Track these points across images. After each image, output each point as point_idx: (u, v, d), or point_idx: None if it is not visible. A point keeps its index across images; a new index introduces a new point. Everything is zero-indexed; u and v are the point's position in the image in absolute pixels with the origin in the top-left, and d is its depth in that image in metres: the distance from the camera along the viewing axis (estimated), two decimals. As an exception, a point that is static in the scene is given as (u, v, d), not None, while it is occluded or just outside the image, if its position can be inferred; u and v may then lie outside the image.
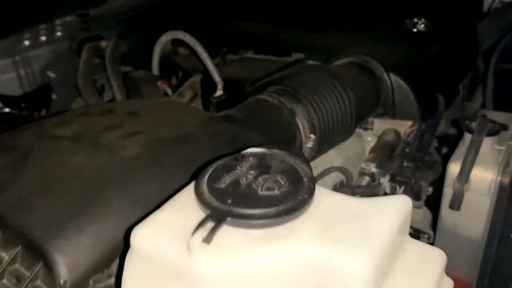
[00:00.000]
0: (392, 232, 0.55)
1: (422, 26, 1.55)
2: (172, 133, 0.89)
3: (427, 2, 1.74)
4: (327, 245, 0.52)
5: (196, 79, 1.53)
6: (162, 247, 0.53)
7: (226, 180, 0.57)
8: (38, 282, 0.67)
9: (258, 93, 1.16)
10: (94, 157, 0.81)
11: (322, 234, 0.53)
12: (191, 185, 0.59)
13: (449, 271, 0.62)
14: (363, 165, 1.28)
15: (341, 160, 1.28)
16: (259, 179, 0.57)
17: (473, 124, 1.11)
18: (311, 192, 0.56)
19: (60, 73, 1.59)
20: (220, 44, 1.64)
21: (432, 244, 1.20)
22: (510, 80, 1.64)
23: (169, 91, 1.55)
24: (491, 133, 1.11)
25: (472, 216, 1.11)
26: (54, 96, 1.59)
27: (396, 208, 0.58)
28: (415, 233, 1.36)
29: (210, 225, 0.52)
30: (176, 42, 1.68)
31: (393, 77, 1.32)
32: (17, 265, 0.69)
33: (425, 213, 1.44)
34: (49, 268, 0.65)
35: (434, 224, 1.26)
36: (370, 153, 1.34)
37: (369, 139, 1.38)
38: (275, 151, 0.63)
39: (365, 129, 1.38)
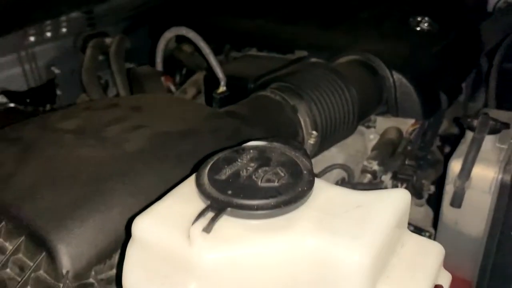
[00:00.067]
0: (391, 225, 0.55)
1: (426, 25, 1.55)
2: (175, 127, 0.90)
3: (432, 1, 1.74)
4: (326, 236, 0.52)
5: (199, 76, 1.53)
6: (162, 237, 0.53)
7: (226, 172, 0.58)
8: (41, 272, 0.67)
9: (260, 89, 1.17)
10: (98, 150, 0.82)
11: (321, 225, 0.54)
12: (192, 177, 0.59)
13: (449, 268, 0.63)
14: (365, 163, 1.29)
15: (343, 158, 1.28)
16: (259, 171, 0.58)
17: (475, 122, 1.11)
18: (310, 184, 0.56)
19: (65, 69, 1.60)
20: (224, 41, 1.64)
21: (433, 241, 1.20)
22: (513, 79, 1.64)
23: (173, 88, 1.56)
24: (493, 131, 1.11)
25: (473, 214, 1.11)
26: (58, 92, 1.60)
27: (395, 201, 0.58)
28: (416, 231, 1.36)
29: (210, 215, 0.52)
30: (180, 40, 1.69)
31: (396, 75, 1.32)
32: (20, 255, 0.69)
33: (426, 212, 1.45)
34: (52, 258, 0.66)
35: (435, 222, 1.27)
36: (372, 150, 1.34)
37: (371, 137, 1.38)
38: (276, 144, 0.63)
39: (368, 127, 1.38)
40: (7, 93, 1.47)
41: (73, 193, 0.73)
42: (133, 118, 0.92)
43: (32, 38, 1.53)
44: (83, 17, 1.65)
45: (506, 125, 1.13)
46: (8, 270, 0.69)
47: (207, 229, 0.51)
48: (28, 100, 1.51)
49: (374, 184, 1.26)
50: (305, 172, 0.58)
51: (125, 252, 0.57)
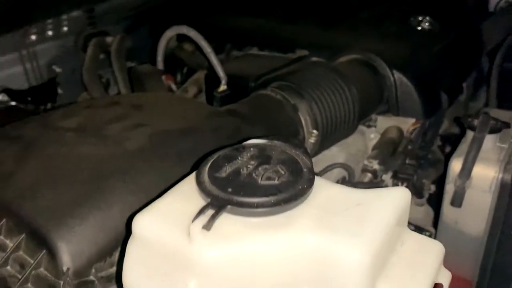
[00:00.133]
0: (391, 223, 0.55)
1: (427, 24, 1.55)
2: (176, 125, 0.90)
3: (433, 1, 1.74)
4: (326, 234, 0.53)
5: (200, 75, 1.53)
6: (162, 234, 0.53)
7: (227, 170, 0.58)
8: (42, 269, 0.68)
9: (261, 88, 1.17)
10: (98, 148, 0.82)
11: (321, 223, 0.54)
12: (193, 175, 0.59)
13: (449, 267, 0.63)
14: (366, 162, 1.28)
15: (343, 157, 1.28)
16: (260, 169, 0.58)
17: (476, 121, 1.11)
18: (310, 182, 0.57)
19: (66, 67, 1.60)
20: (225, 40, 1.64)
21: (433, 241, 1.20)
22: (514, 79, 1.64)
23: (173, 86, 1.56)
24: (494, 131, 1.11)
25: (474, 213, 1.11)
26: (60, 91, 1.60)
27: (395, 199, 0.58)
28: (417, 231, 1.35)
29: (210, 212, 0.52)
30: (181, 39, 1.69)
31: (397, 74, 1.32)
32: (21, 253, 0.70)
33: (427, 211, 1.45)
34: (52, 255, 0.66)
35: (436, 221, 1.27)
36: (372, 150, 1.34)
37: (372, 136, 1.38)
38: (276, 142, 0.63)
39: (368, 126, 1.38)
40: (8, 92, 1.47)
41: (74, 191, 0.73)
42: (134, 117, 0.92)
43: (33, 37, 1.53)
44: (84, 16, 1.65)
45: (506, 125, 1.13)
46: (8, 267, 0.69)
47: (207, 226, 0.51)
48: (29, 99, 1.51)
49: (375, 184, 1.26)
50: (305, 170, 0.58)
51: (125, 250, 0.57)
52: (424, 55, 1.45)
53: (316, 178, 0.58)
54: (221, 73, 1.28)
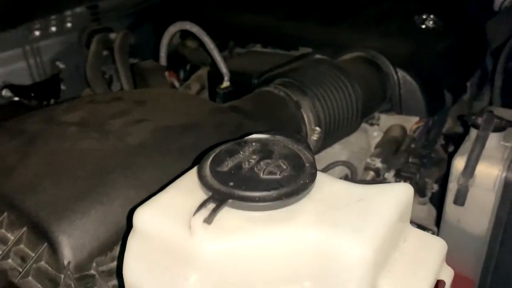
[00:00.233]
0: (393, 218, 0.55)
1: (431, 22, 1.54)
2: (178, 121, 0.90)
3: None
4: (327, 229, 0.52)
5: (203, 71, 1.53)
6: (163, 228, 0.53)
7: (228, 164, 0.58)
8: (43, 262, 0.68)
9: (264, 85, 1.16)
10: (100, 142, 0.82)
11: (323, 218, 0.53)
12: (194, 169, 0.59)
13: (452, 266, 0.62)
14: (368, 160, 1.28)
15: (346, 155, 1.28)
16: (261, 163, 0.58)
17: (480, 120, 1.11)
18: (312, 177, 0.56)
19: (69, 64, 1.61)
20: (228, 37, 1.64)
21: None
22: (519, 78, 1.63)
23: (176, 83, 1.56)
24: (498, 129, 1.10)
25: (476, 212, 1.10)
26: (63, 87, 1.60)
27: (397, 195, 0.58)
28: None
29: (211, 206, 0.52)
30: (184, 35, 1.69)
31: (400, 72, 1.32)
32: (22, 246, 0.70)
33: (429, 210, 1.44)
34: (54, 249, 0.66)
35: (438, 220, 1.26)
36: (375, 148, 1.34)
37: (375, 134, 1.38)
38: (278, 137, 0.63)
39: (371, 124, 1.38)
40: (12, 87, 1.47)
41: (76, 186, 0.73)
42: (136, 112, 0.92)
43: (37, 33, 1.54)
44: (87, 12, 1.66)
45: (510, 123, 1.12)
46: (9, 260, 0.70)
47: (208, 220, 0.51)
48: (32, 95, 1.52)
49: (377, 182, 1.26)
50: (307, 164, 0.58)
51: (126, 244, 0.57)
52: (428, 53, 1.44)
53: (318, 173, 0.58)
54: (224, 69, 1.28)
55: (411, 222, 0.62)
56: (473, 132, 1.12)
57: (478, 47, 1.71)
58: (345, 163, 1.24)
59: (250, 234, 0.51)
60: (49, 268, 0.67)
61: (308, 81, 1.14)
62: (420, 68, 1.37)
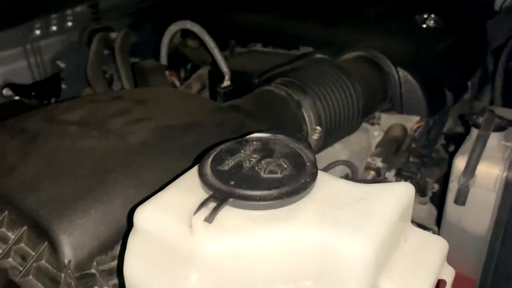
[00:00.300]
0: (394, 217, 0.55)
1: (432, 22, 1.54)
2: (179, 120, 0.90)
3: (438, -1, 1.74)
4: (328, 228, 0.52)
5: (204, 71, 1.53)
6: (164, 226, 0.53)
7: (229, 163, 0.58)
8: (43, 261, 0.68)
9: (265, 84, 1.16)
10: (101, 141, 0.82)
11: (323, 217, 0.53)
12: (195, 168, 0.59)
13: (452, 266, 0.62)
14: (369, 160, 1.28)
15: (347, 154, 1.28)
16: (262, 162, 0.58)
17: (480, 119, 1.11)
18: (313, 176, 0.56)
19: (70, 63, 1.61)
20: (229, 37, 1.64)
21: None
22: (520, 78, 1.63)
23: (177, 83, 1.56)
24: (499, 129, 1.10)
25: (477, 212, 1.10)
26: (63, 86, 1.60)
27: (398, 194, 0.58)
28: (420, 229, 1.36)
29: (212, 205, 0.52)
30: (185, 35, 1.69)
31: (401, 71, 1.32)
32: (22, 245, 0.70)
33: (430, 210, 1.44)
34: (54, 248, 0.66)
35: (439, 220, 1.26)
36: (376, 147, 1.34)
37: (376, 134, 1.37)
38: (279, 136, 0.63)
39: (372, 124, 1.38)
40: (12, 86, 1.47)
41: (76, 185, 0.73)
42: (137, 111, 0.92)
43: (37, 32, 1.54)
44: (88, 11, 1.65)
45: (511, 123, 1.12)
46: (10, 259, 0.70)
47: (209, 219, 0.51)
48: (33, 94, 1.52)
49: (378, 181, 1.25)
50: (308, 164, 0.58)
51: (127, 242, 0.57)
52: (428, 53, 1.44)
53: (319, 172, 0.58)
54: (224, 68, 1.28)
55: (412, 221, 0.62)
56: (474, 132, 1.12)
57: (479, 46, 1.71)
58: (345, 163, 1.24)
59: (251, 233, 0.51)
60: (50, 267, 0.67)
61: (309, 80, 1.14)
62: (421, 68, 1.37)
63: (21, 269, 0.67)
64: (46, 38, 1.56)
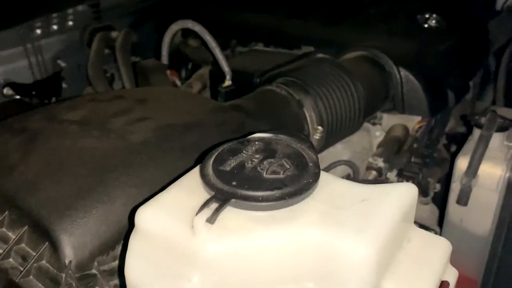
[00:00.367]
0: (397, 218, 0.55)
1: (434, 22, 1.54)
2: (180, 120, 0.89)
3: (440, -1, 1.73)
4: (331, 229, 0.52)
5: (205, 70, 1.53)
6: (166, 227, 0.53)
7: (231, 163, 0.57)
8: (44, 261, 0.67)
9: (266, 84, 1.16)
10: (102, 141, 0.81)
11: (326, 218, 0.53)
12: (197, 168, 0.59)
13: (454, 266, 0.62)
14: (371, 160, 1.28)
15: (348, 154, 1.27)
16: (265, 162, 0.57)
17: (483, 119, 1.10)
18: (315, 177, 0.56)
19: (71, 62, 1.61)
20: (230, 36, 1.64)
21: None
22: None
23: (178, 82, 1.56)
24: (501, 129, 1.10)
25: (479, 212, 1.10)
26: (64, 85, 1.60)
27: (401, 195, 0.57)
28: (421, 229, 1.35)
29: (214, 206, 0.52)
30: (186, 34, 1.69)
31: (403, 71, 1.31)
32: (23, 245, 0.69)
33: (432, 210, 1.44)
34: (55, 248, 0.66)
35: (441, 220, 1.26)
36: (378, 147, 1.33)
37: (377, 134, 1.37)
38: (281, 136, 0.63)
39: (374, 124, 1.37)
40: (13, 85, 1.47)
41: (77, 184, 0.73)
42: (138, 110, 0.91)
43: (38, 31, 1.53)
44: (89, 11, 1.65)
45: (514, 123, 1.12)
46: (10, 259, 0.69)
47: (211, 219, 0.50)
48: (34, 93, 1.52)
49: (379, 182, 1.25)
50: (310, 164, 0.57)
51: (128, 243, 0.57)
52: (430, 53, 1.43)
53: (322, 173, 0.57)
54: (226, 68, 1.27)
55: (414, 222, 0.62)
56: (476, 132, 1.12)
57: (481, 46, 1.70)
58: (347, 163, 1.24)
59: (252, 234, 0.51)
60: (50, 267, 0.67)
61: (310, 80, 1.13)
62: (423, 68, 1.37)
63: (22, 269, 0.67)
64: (47, 37, 1.56)
